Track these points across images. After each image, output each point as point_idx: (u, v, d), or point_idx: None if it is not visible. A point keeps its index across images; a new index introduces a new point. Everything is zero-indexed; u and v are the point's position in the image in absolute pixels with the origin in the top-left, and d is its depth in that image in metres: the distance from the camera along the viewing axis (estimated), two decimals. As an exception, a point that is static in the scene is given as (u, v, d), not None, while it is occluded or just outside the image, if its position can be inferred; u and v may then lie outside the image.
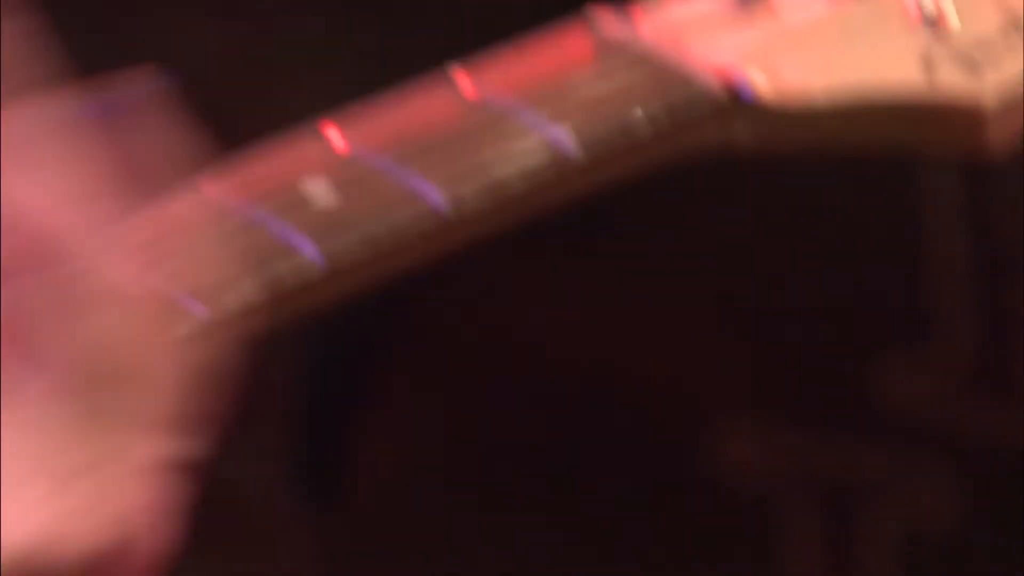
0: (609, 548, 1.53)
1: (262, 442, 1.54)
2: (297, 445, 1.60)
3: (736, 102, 0.73)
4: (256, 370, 1.58)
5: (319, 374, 1.62)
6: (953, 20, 0.81)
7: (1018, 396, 1.57)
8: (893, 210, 1.59)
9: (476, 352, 1.62)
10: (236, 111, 1.62)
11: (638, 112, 0.69)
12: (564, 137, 0.67)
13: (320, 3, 1.59)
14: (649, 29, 0.73)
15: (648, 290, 1.55)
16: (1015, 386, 1.56)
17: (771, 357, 1.55)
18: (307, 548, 1.53)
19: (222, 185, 0.67)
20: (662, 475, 1.58)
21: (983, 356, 1.54)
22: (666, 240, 1.58)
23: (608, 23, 0.74)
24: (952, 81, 0.79)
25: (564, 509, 1.51)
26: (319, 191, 0.67)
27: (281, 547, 1.56)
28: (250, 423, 1.84)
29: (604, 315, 1.53)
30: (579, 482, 1.56)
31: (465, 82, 0.71)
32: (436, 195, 0.65)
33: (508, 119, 0.70)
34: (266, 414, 1.69)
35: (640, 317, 1.54)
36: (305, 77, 1.45)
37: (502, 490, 1.60)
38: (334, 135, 0.69)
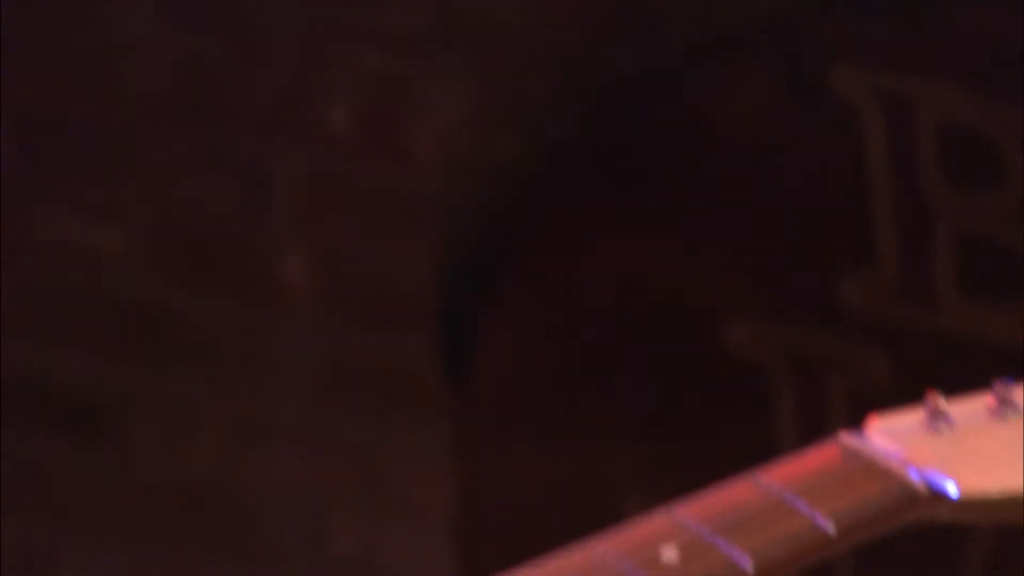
0: (651, 403, 2.34)
1: (412, 326, 2.26)
2: (440, 331, 2.31)
3: (936, 497, 0.83)
4: (407, 273, 2.16)
5: (459, 277, 2.36)
6: None
7: (938, 299, 2.41)
8: (847, 168, 2.38)
9: (576, 274, 2.44)
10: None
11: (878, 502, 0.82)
12: (826, 522, 0.76)
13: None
14: (879, 438, 0.87)
15: (679, 231, 2.42)
16: (936, 292, 2.39)
17: (763, 271, 2.36)
18: (441, 410, 2.29)
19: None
20: (689, 354, 2.38)
21: (912, 269, 2.40)
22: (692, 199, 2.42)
23: (850, 438, 0.84)
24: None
25: (626, 382, 2.32)
26: (668, 552, 0.77)
27: (422, 409, 2.27)
28: (406, 315, 2.33)
29: (654, 252, 2.40)
30: (636, 364, 2.36)
31: (762, 475, 0.79)
32: (745, 561, 0.73)
33: (786, 503, 0.79)
34: (418, 308, 2.30)
35: (674, 251, 2.38)
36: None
37: (590, 369, 2.39)
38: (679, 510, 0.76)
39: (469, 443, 2.37)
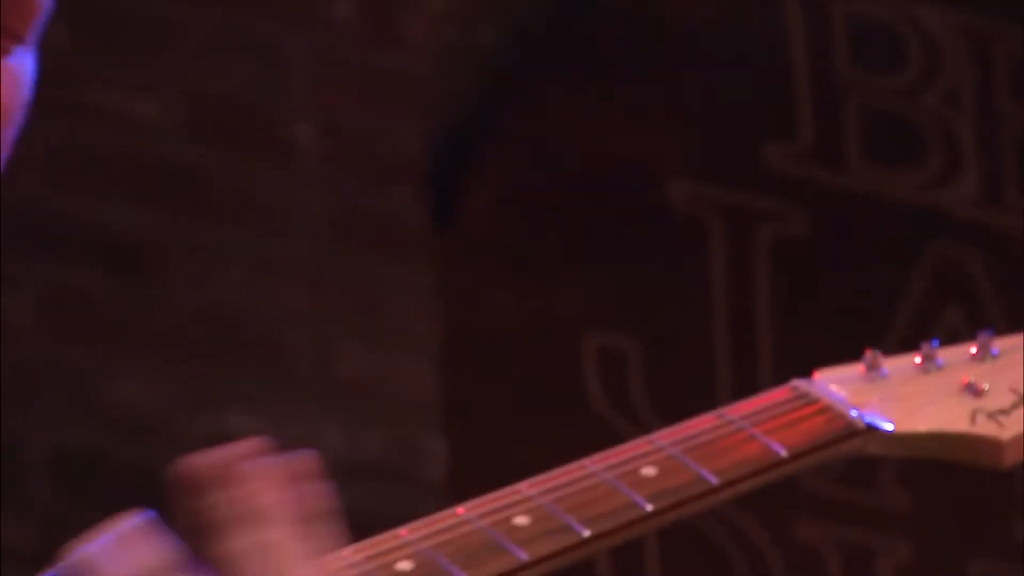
0: (606, 250, 2.66)
1: (405, 184, 2.56)
2: (428, 188, 2.58)
3: (872, 432, 1.00)
4: (401, 139, 2.50)
5: (446, 144, 2.65)
6: (989, 394, 1.05)
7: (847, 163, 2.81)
8: (773, 50, 2.70)
9: (544, 141, 2.72)
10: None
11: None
12: (780, 448, 0.92)
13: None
14: (825, 385, 1.00)
15: (633, 106, 2.71)
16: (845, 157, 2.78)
17: (702, 139, 2.67)
18: (429, 254, 2.58)
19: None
20: (639, 209, 2.68)
21: (821, 130, 2.79)
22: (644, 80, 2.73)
23: (801, 383, 0.99)
24: (985, 429, 1.05)
25: (586, 232, 2.66)
26: (648, 469, 0.88)
27: (413, 253, 2.60)
28: (399, 175, 2.57)
29: (611, 124, 2.69)
30: (595, 217, 2.67)
31: (727, 410, 0.93)
32: (712, 477, 0.88)
33: (747, 432, 0.94)
34: (410, 169, 2.60)
35: (628, 123, 2.68)
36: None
37: (555, 222, 2.70)
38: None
39: (452, 282, 2.69)
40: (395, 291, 2.70)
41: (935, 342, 1.06)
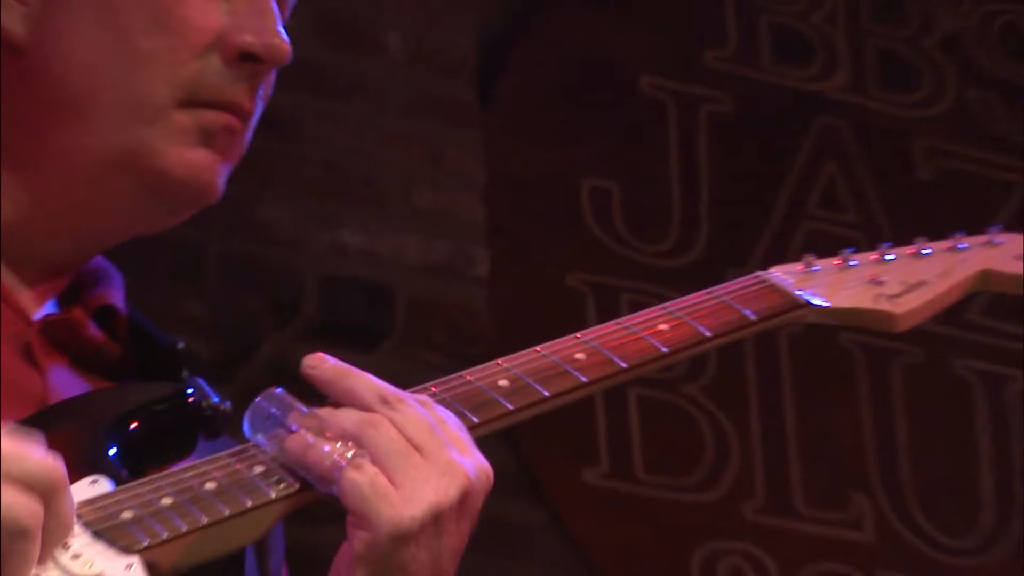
0: (600, 126, 3.25)
1: (460, 73, 3.18)
2: (478, 74, 3.15)
3: (811, 306, 1.25)
4: (458, 37, 3.22)
5: (492, 41, 3.20)
6: (886, 284, 1.29)
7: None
8: None
9: (562, 41, 3.28)
10: None
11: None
12: (751, 313, 1.20)
13: None
14: (778, 275, 1.25)
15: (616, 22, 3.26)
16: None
17: (665, 42, 3.23)
18: (477, 123, 3.18)
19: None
20: (618, 95, 3.27)
21: (743, 40, 3.35)
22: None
23: (763, 273, 1.26)
24: (884, 306, 1.28)
25: (587, 111, 3.25)
26: (661, 324, 1.20)
27: (466, 122, 3.20)
28: (457, 63, 3.21)
29: (603, 28, 3.25)
30: (593, 101, 3.25)
31: (712, 290, 1.24)
32: (706, 330, 1.19)
33: (726, 302, 1.24)
34: (465, 60, 3.17)
35: (614, 29, 3.23)
36: None
37: (568, 101, 3.26)
38: None
39: (493, 143, 3.28)
40: (454, 148, 3.32)
41: (851, 250, 1.33)
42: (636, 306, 1.34)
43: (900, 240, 1.38)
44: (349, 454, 1.03)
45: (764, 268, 1.32)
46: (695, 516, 3.34)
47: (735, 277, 1.25)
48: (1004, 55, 3.67)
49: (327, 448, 1.03)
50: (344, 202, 3.25)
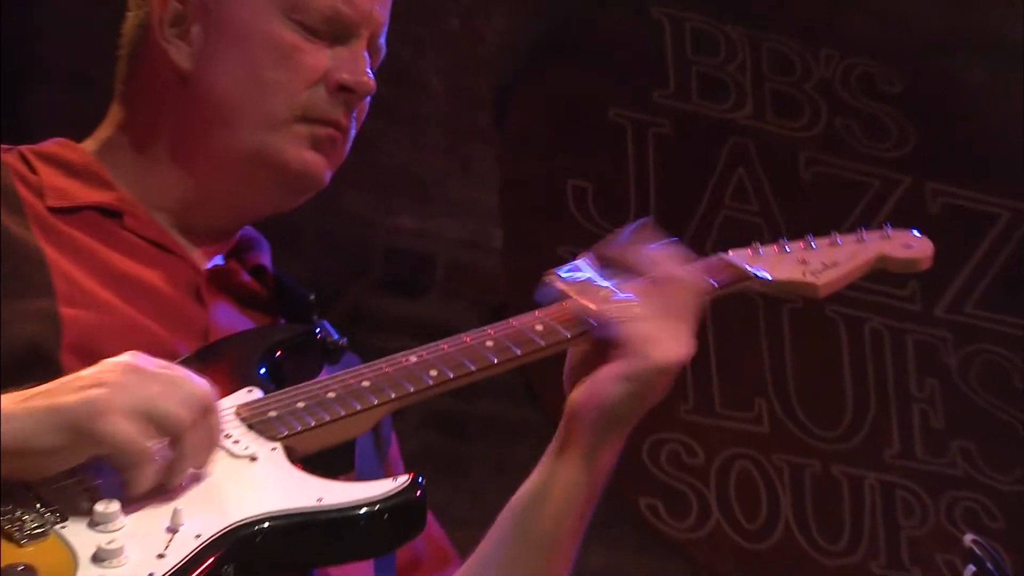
0: (584, 147, 3.66)
1: (482, 104, 3.63)
2: (494, 106, 3.57)
3: (760, 279, 1.36)
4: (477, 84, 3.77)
5: (507, 78, 3.60)
6: (809, 264, 1.41)
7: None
8: None
9: (552, 89, 3.75)
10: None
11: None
12: (713, 282, 1.33)
13: None
14: (735, 257, 1.37)
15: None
16: None
17: (624, 90, 3.70)
18: (493, 141, 3.59)
19: None
20: (594, 126, 3.70)
21: (678, 84, 3.81)
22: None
23: (723, 256, 1.36)
24: (810, 279, 1.42)
25: (572, 138, 3.74)
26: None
27: (486, 140, 3.62)
28: (477, 100, 3.71)
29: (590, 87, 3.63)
30: (579, 131, 3.72)
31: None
32: (712, 283, 1.31)
33: (710, 264, 1.35)
34: (482, 97, 3.58)
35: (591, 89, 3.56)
36: None
37: (557, 137, 3.77)
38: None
39: (506, 156, 3.75)
40: (477, 159, 3.81)
41: (784, 239, 1.45)
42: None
43: (791, 223, 1.57)
44: (637, 309, 1.22)
45: (694, 242, 1.50)
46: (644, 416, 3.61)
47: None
48: (861, 94, 4.16)
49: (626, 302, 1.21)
50: (401, 196, 3.75)
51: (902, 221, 1.56)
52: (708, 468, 3.63)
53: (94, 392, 1.01)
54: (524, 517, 1.27)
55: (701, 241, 3.49)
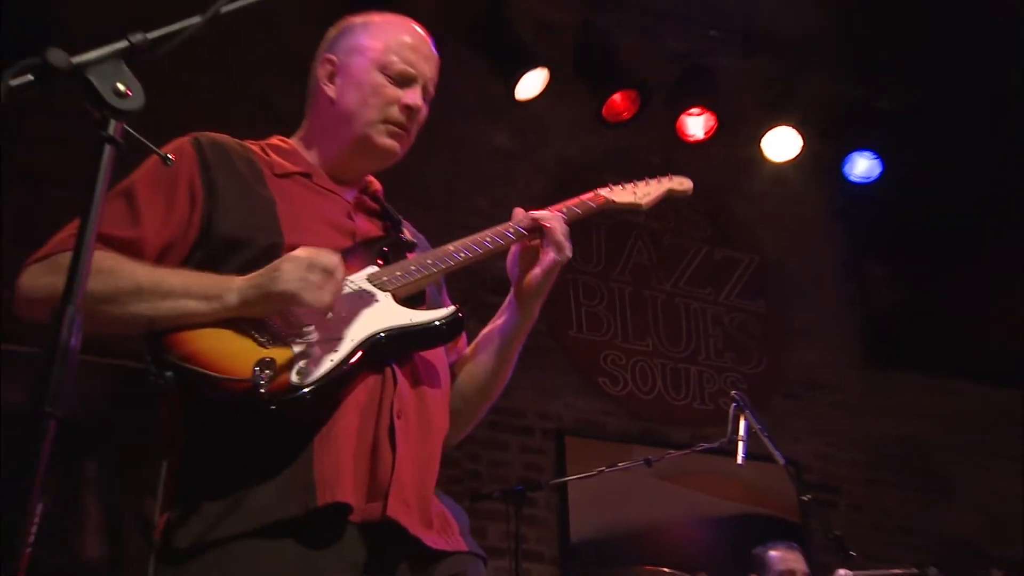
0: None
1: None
2: None
3: (611, 207, 1.89)
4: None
5: None
6: (637, 192, 1.91)
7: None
8: None
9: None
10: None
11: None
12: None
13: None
14: (600, 190, 1.87)
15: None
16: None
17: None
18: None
19: None
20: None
21: None
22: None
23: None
24: (636, 200, 1.92)
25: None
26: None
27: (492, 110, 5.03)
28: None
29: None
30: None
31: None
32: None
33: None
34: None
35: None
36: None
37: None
38: None
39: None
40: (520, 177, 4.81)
41: (624, 182, 1.87)
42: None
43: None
44: (551, 223, 1.75)
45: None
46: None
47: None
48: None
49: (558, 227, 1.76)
50: (475, 187, 4.83)
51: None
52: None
53: (277, 276, 1.63)
54: (492, 336, 1.95)
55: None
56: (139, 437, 3.96)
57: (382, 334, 1.65)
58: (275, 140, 1.94)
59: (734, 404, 3.50)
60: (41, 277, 1.60)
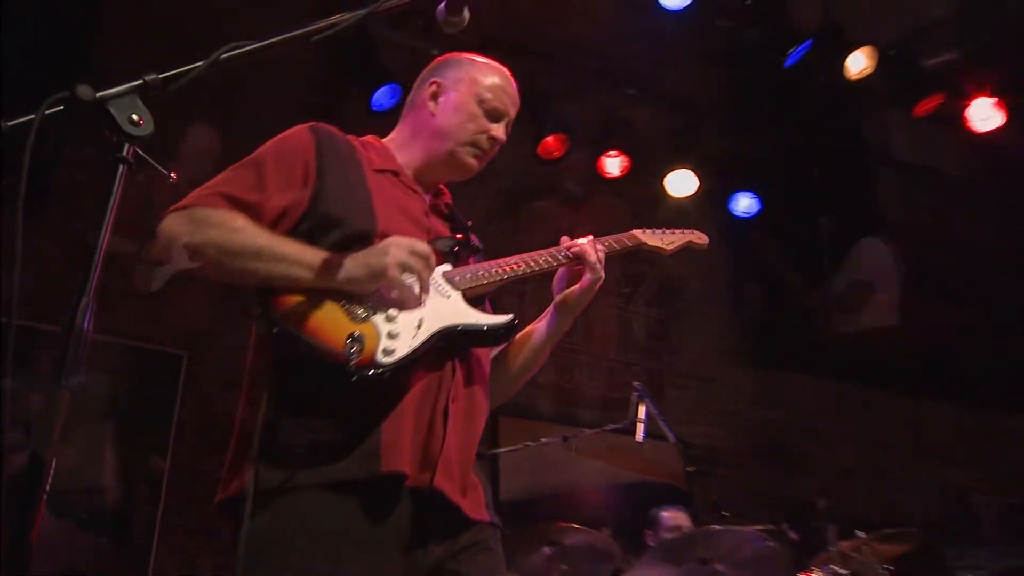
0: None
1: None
2: None
3: (642, 248, 1.71)
4: None
5: None
6: (666, 235, 1.70)
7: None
8: None
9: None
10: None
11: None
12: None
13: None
14: (640, 235, 1.69)
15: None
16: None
17: None
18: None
19: None
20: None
21: None
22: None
23: (637, 231, 1.67)
24: (662, 244, 1.74)
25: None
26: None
27: None
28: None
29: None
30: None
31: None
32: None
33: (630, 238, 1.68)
34: None
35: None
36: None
37: None
38: None
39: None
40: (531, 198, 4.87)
41: (656, 227, 1.72)
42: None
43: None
44: (592, 255, 1.70)
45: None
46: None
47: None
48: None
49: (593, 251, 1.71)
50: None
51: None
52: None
53: (384, 258, 1.57)
54: (531, 337, 1.92)
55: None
56: (146, 405, 4.13)
57: (459, 328, 1.63)
58: (370, 139, 1.91)
59: (636, 393, 3.48)
60: (179, 225, 1.58)
